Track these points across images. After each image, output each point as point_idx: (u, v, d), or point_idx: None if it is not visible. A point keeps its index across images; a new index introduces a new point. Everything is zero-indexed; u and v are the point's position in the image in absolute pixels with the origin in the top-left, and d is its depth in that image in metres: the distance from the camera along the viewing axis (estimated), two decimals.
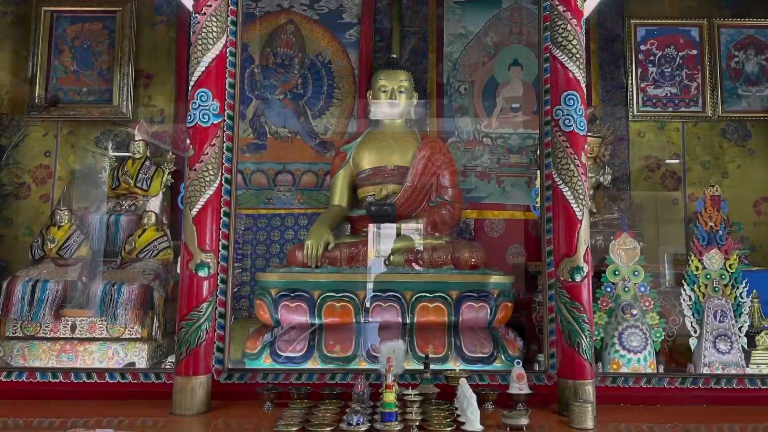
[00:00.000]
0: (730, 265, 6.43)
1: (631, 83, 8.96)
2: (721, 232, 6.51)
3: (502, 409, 4.89)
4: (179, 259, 5.39)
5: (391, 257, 7.00)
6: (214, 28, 5.46)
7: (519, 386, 5.18)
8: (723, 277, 6.41)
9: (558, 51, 5.43)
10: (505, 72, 8.91)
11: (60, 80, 8.83)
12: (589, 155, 6.98)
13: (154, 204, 7.98)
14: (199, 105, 5.37)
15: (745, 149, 8.94)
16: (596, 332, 6.05)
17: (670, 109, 8.95)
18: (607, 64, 8.99)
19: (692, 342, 6.35)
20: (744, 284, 6.40)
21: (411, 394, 4.98)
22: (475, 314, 6.53)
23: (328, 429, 4.58)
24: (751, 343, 6.37)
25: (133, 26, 8.86)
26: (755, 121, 8.99)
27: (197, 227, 5.27)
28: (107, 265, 7.65)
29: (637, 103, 8.94)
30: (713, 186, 6.71)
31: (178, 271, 5.40)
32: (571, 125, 5.31)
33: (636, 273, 6.38)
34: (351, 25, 8.96)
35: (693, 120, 9.00)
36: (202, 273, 5.23)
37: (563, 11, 5.43)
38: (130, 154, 8.25)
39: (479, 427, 4.60)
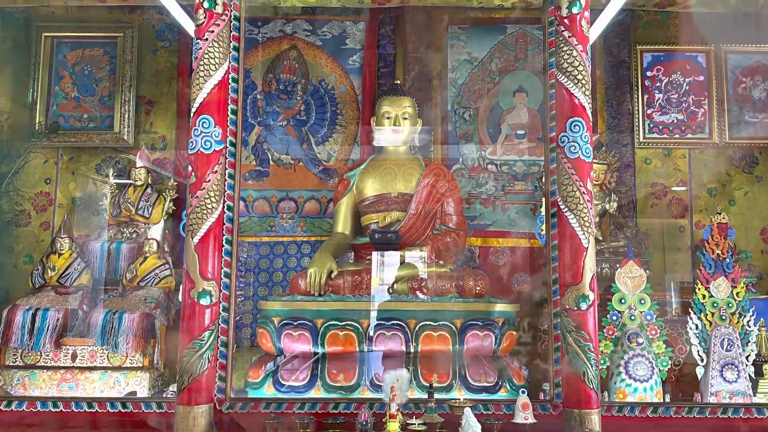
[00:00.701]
0: (737, 294, 6.40)
1: (638, 109, 8.92)
2: (728, 259, 6.48)
3: None
4: (181, 287, 5.38)
5: (395, 285, 6.95)
6: (216, 54, 5.45)
7: (524, 415, 5.15)
8: (730, 305, 6.37)
9: (563, 77, 5.42)
10: (509, 98, 8.88)
11: (60, 106, 8.82)
12: (594, 182, 6.98)
13: (156, 231, 7.98)
14: (201, 131, 5.36)
15: (752, 176, 8.90)
16: (602, 361, 6.04)
17: (677, 135, 8.90)
18: (613, 91, 8.96)
19: (699, 371, 6.33)
20: (751, 312, 6.40)
21: (415, 424, 4.95)
22: (480, 343, 6.48)
23: None
24: (759, 372, 6.36)
25: (135, 52, 8.86)
26: (762, 147, 8.94)
27: (199, 255, 5.25)
28: (108, 294, 7.66)
29: (644, 129, 8.89)
30: (720, 213, 6.69)
31: (180, 299, 5.38)
32: (577, 152, 5.29)
33: (642, 301, 6.34)
34: (354, 51, 8.94)
35: (700, 147, 8.96)
36: (204, 301, 5.21)
37: (569, 37, 5.42)
38: (131, 182, 8.26)
39: None
